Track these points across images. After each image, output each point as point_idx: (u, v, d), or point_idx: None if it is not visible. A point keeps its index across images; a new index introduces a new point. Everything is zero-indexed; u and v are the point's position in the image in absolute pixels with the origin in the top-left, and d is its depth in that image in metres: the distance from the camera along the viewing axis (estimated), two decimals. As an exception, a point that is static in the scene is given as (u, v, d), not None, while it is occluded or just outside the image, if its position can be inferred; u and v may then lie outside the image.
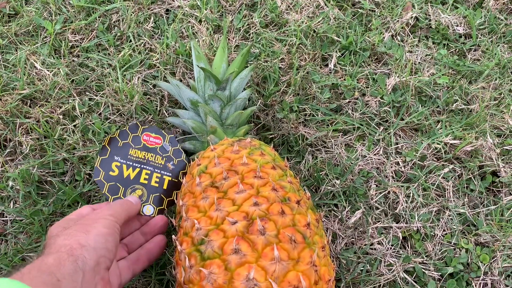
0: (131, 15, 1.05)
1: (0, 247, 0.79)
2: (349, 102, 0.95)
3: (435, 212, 0.83)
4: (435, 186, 0.85)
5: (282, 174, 0.68)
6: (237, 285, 0.53)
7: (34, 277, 0.49)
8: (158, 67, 0.99)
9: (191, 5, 1.08)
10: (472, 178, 0.86)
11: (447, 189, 0.85)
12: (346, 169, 0.87)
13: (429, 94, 0.95)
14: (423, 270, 0.77)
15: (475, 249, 0.79)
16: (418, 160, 0.87)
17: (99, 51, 1.02)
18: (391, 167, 0.87)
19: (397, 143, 0.90)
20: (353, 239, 0.80)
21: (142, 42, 1.02)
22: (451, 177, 0.86)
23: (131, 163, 0.77)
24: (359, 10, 1.08)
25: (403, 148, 0.89)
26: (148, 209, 0.75)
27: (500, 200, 0.84)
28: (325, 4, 1.09)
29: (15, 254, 0.77)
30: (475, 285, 0.76)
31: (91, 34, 1.04)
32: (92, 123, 0.91)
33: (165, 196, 0.77)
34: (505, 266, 0.78)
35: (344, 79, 0.97)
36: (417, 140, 0.90)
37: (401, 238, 0.80)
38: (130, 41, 1.02)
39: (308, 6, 1.09)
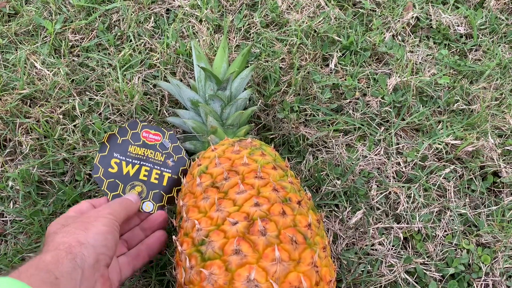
0: (132, 14, 1.05)
1: (0, 247, 0.79)
2: (350, 102, 0.95)
3: (436, 212, 0.82)
4: (436, 186, 0.85)
5: (283, 174, 0.68)
6: (238, 286, 0.53)
7: (32, 275, 0.49)
8: (159, 67, 0.98)
9: (192, 4, 1.08)
10: (473, 178, 0.86)
11: (448, 190, 0.84)
12: (347, 169, 0.87)
13: (430, 94, 0.95)
14: (424, 271, 0.77)
15: (476, 249, 0.78)
16: (419, 161, 0.87)
17: (99, 51, 1.01)
18: (392, 167, 0.87)
19: (398, 144, 0.90)
20: (354, 240, 0.80)
21: (143, 42, 1.02)
22: (452, 178, 0.86)
23: (130, 160, 0.76)
24: (360, 10, 1.08)
25: (404, 149, 0.89)
26: (148, 206, 0.75)
27: (501, 201, 0.84)
28: (326, 4, 1.09)
29: (15, 255, 0.77)
30: (476, 286, 0.76)
31: (91, 33, 1.04)
32: (92, 123, 0.90)
33: (165, 192, 0.76)
34: (507, 267, 0.77)
35: (345, 79, 0.97)
36: (418, 140, 0.90)
37: (402, 238, 0.80)
38: (131, 40, 1.02)
39: (308, 6, 1.08)
